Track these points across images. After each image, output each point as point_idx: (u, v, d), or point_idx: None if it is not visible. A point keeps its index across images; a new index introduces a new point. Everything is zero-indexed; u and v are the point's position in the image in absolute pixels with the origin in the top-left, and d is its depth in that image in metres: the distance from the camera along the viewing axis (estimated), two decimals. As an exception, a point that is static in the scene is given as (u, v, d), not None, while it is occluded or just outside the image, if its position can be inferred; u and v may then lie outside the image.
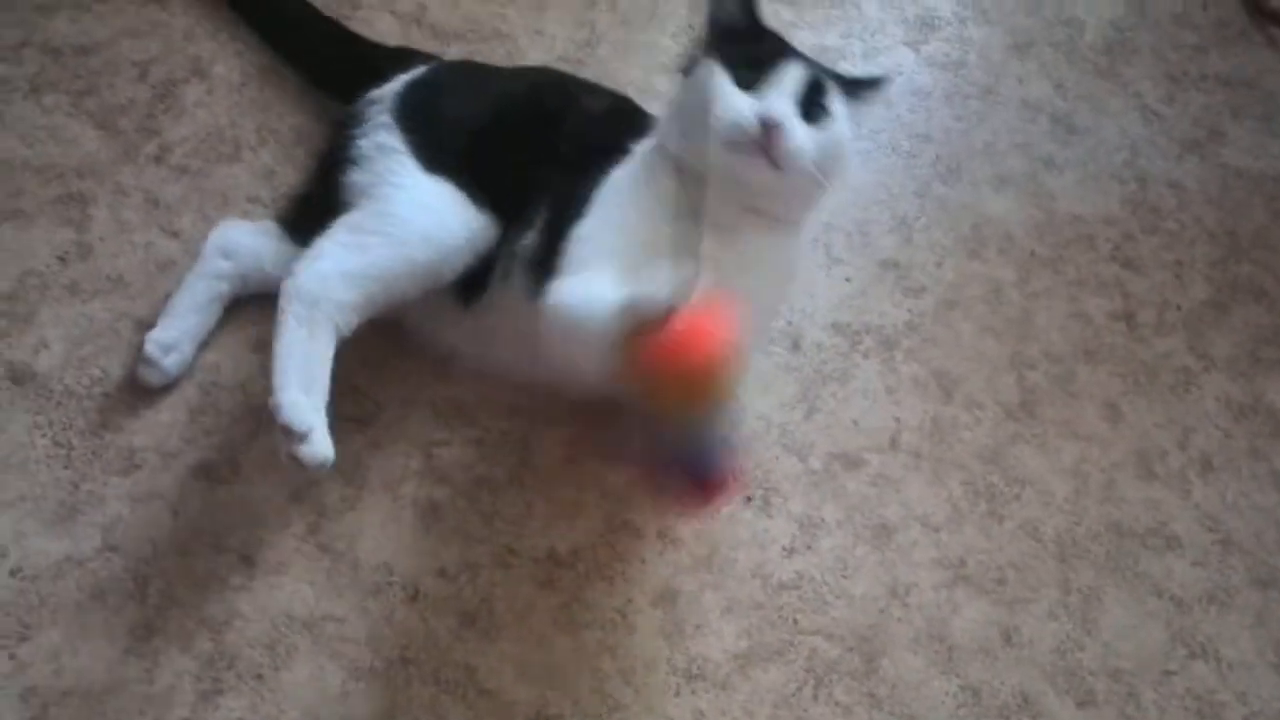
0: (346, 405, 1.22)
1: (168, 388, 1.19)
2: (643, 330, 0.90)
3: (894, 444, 1.33)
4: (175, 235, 1.29)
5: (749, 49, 1.11)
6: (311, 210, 1.21)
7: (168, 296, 1.23)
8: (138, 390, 1.19)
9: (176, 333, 1.19)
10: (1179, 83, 1.75)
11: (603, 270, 1.06)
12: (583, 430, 1.26)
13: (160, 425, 1.18)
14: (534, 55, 1.51)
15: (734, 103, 1.07)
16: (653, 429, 0.95)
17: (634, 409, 0.94)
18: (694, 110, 1.10)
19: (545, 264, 1.12)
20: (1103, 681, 1.21)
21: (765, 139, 1.05)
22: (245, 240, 1.24)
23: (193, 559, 1.12)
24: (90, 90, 1.38)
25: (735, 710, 1.14)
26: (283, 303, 1.07)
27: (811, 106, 1.09)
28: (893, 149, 1.57)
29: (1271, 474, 1.38)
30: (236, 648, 1.08)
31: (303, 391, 1.03)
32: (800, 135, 1.07)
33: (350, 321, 1.10)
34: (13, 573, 1.09)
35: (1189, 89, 1.74)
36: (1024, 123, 1.64)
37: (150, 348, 1.17)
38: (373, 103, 1.24)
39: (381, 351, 1.25)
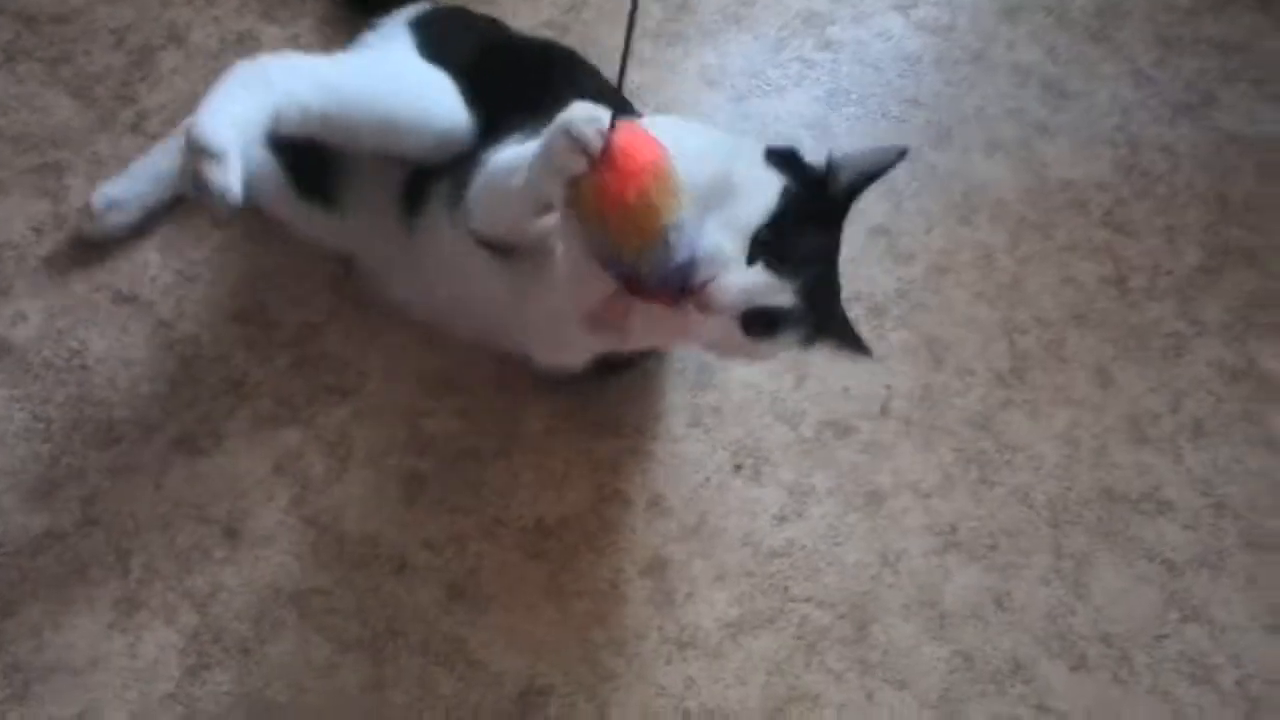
0: (330, 376, 1.21)
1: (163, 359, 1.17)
2: (579, 164, 0.90)
3: (885, 411, 1.31)
4: (153, 205, 1.27)
5: None
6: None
7: (145, 266, 1.21)
8: (116, 362, 1.17)
9: (125, 192, 1.19)
10: (1171, 47, 1.73)
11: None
12: (570, 401, 1.25)
13: (140, 397, 1.16)
14: (521, 18, 1.48)
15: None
16: (618, 268, 0.93)
17: (591, 248, 0.94)
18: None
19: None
20: (1095, 646, 1.20)
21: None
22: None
23: (175, 532, 1.10)
24: (65, 58, 1.35)
25: (727, 677, 1.13)
26: (235, 67, 1.00)
27: (765, 325, 0.98)
28: (882, 114, 1.55)
29: (1264, 438, 1.37)
30: (222, 621, 1.07)
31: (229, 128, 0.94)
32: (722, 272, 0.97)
33: (291, 117, 1.00)
34: (-8, 548, 1.07)
35: (1181, 53, 1.72)
36: (1015, 88, 1.62)
37: (96, 199, 1.18)
38: (386, 21, 1.24)
39: (366, 324, 1.24)
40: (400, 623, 1.10)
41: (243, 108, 0.97)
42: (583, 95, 1.19)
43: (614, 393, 1.26)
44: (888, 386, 1.33)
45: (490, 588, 1.13)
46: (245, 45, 1.41)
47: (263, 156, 1.17)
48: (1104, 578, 1.25)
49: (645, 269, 0.92)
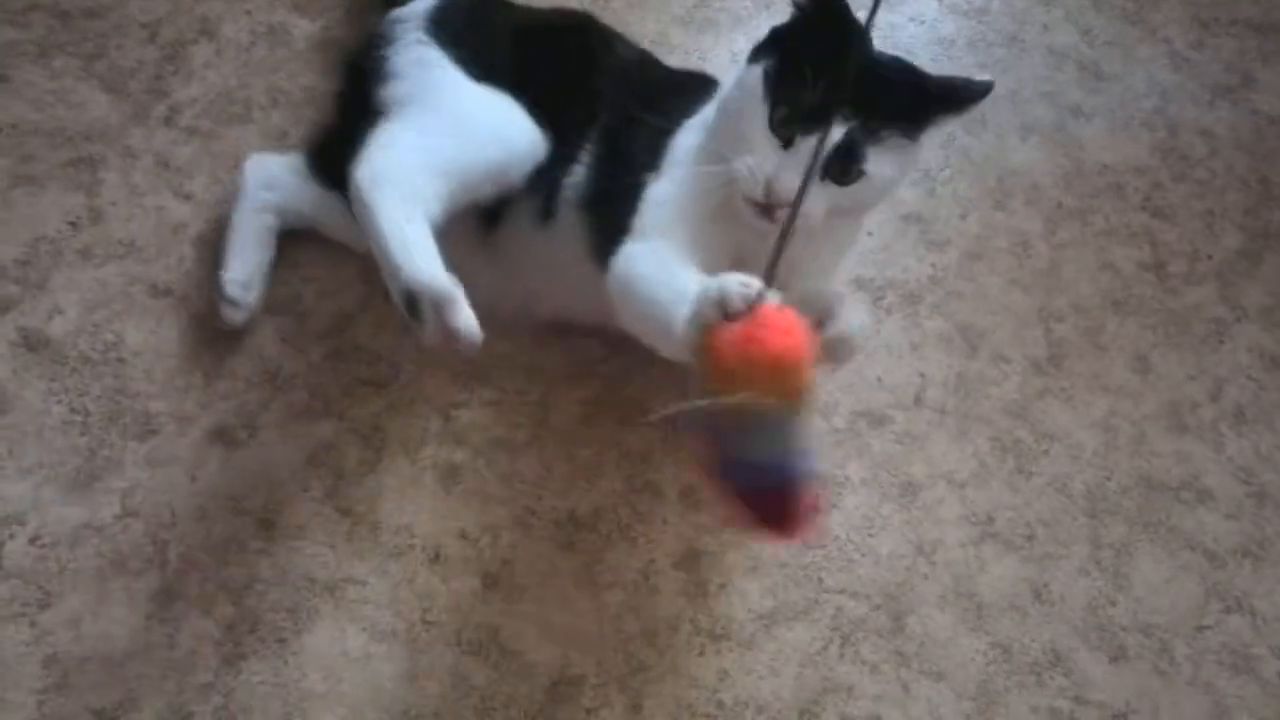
0: (363, 368, 1.21)
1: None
2: (720, 321, 0.84)
3: (919, 400, 1.30)
4: (187, 198, 1.28)
5: (806, 83, 0.98)
6: (338, 140, 1.15)
7: (181, 260, 1.22)
8: (152, 355, 1.18)
9: (248, 268, 1.19)
10: (1209, 28, 1.70)
11: (675, 242, 1.02)
12: (602, 391, 1.24)
13: (176, 390, 1.17)
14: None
15: (751, 155, 1.00)
16: (718, 428, 0.85)
17: (701, 396, 0.84)
18: (728, 118, 1.05)
19: (603, 212, 1.10)
20: (1135, 637, 1.19)
21: (767, 201, 0.99)
22: (280, 172, 1.23)
23: (212, 523, 1.11)
24: (99, 53, 1.36)
25: (760, 669, 1.12)
26: (363, 192, 0.98)
27: (846, 166, 1.00)
28: (915, 100, 1.53)
29: (1307, 425, 1.35)
30: (258, 611, 1.08)
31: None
32: (810, 204, 0.97)
33: (433, 211, 1.00)
34: (32, 540, 1.08)
35: (1219, 34, 1.69)
36: (1050, 70, 1.60)
37: (231, 289, 1.17)
38: (399, 21, 1.19)
39: (395, 315, 1.23)
40: (434, 613, 1.10)
41: (415, 232, 0.96)
42: (630, 72, 1.18)
43: (644, 382, 1.25)
44: (922, 375, 1.32)
45: (524, 578, 1.13)
46: (277, 37, 1.41)
47: (318, 192, 1.20)
48: (1144, 568, 1.23)
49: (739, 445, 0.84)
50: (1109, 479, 1.28)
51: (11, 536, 1.08)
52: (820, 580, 1.18)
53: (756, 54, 1.05)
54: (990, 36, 1.61)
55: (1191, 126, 1.58)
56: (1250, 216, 1.51)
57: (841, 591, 1.18)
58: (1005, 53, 1.61)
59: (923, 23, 1.61)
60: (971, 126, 1.51)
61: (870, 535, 1.21)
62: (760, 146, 1.00)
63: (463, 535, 1.14)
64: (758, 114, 1.00)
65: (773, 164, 0.99)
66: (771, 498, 0.85)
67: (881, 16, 1.57)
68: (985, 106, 1.51)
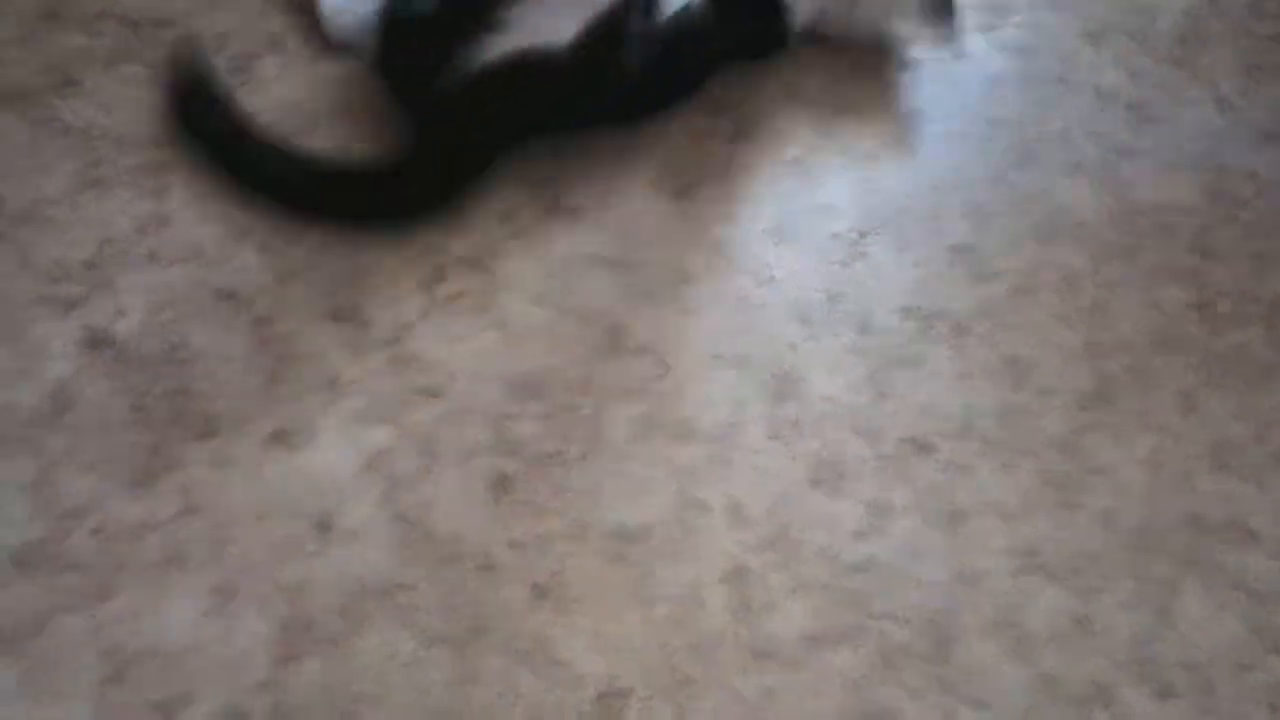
0: (420, 377, 1.23)
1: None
2: None
3: (965, 430, 1.31)
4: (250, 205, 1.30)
5: None
6: None
7: (245, 265, 1.25)
8: (216, 357, 1.20)
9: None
10: (1254, 74, 1.71)
11: None
12: (654, 408, 1.26)
13: (237, 392, 1.19)
14: None
15: None
16: None
17: None
18: None
19: None
20: (1179, 673, 1.19)
21: None
22: None
23: (269, 524, 1.12)
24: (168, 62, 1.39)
25: (804, 690, 1.13)
26: None
27: None
28: (964, 134, 1.55)
29: (1352, 470, 1.35)
30: (311, 613, 1.09)
31: None
32: None
33: None
34: (93, 533, 1.10)
35: (1266, 80, 1.71)
36: (1098, 110, 1.62)
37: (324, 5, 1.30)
38: None
39: (456, 326, 1.26)
40: (484, 620, 1.11)
41: None
42: None
43: (696, 400, 1.27)
44: (968, 405, 1.33)
45: (574, 590, 1.14)
46: (344, 53, 1.44)
47: None
48: (1189, 605, 1.23)
49: None
50: (1154, 515, 1.28)
51: (74, 530, 1.10)
52: (865, 605, 1.19)
53: None
54: (1039, 75, 1.63)
55: (1239, 169, 1.59)
56: (1298, 261, 1.52)
57: (886, 616, 1.18)
58: (1053, 91, 1.62)
59: (971, 60, 1.63)
60: (1020, 163, 1.53)
61: (915, 562, 1.22)
62: None
63: (513, 544, 1.15)
64: None
65: None
66: None
67: (929, 52, 1.60)
68: (1034, 144, 1.54)
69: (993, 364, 1.37)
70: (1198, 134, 1.62)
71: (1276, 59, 1.73)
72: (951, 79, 1.59)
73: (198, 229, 1.28)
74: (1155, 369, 1.39)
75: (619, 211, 1.40)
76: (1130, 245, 1.49)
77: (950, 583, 1.21)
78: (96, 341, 1.20)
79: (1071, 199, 1.52)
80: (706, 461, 1.24)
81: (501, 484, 1.19)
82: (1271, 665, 1.21)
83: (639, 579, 1.16)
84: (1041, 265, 1.45)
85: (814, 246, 1.42)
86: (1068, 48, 1.68)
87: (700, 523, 1.20)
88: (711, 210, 1.43)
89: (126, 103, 1.36)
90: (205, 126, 1.31)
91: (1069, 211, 1.50)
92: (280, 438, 1.17)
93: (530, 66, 1.27)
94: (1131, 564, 1.25)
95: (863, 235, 1.45)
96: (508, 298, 1.31)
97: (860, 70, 1.58)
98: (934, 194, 1.49)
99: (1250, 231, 1.53)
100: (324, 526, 1.13)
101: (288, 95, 1.39)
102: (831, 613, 1.18)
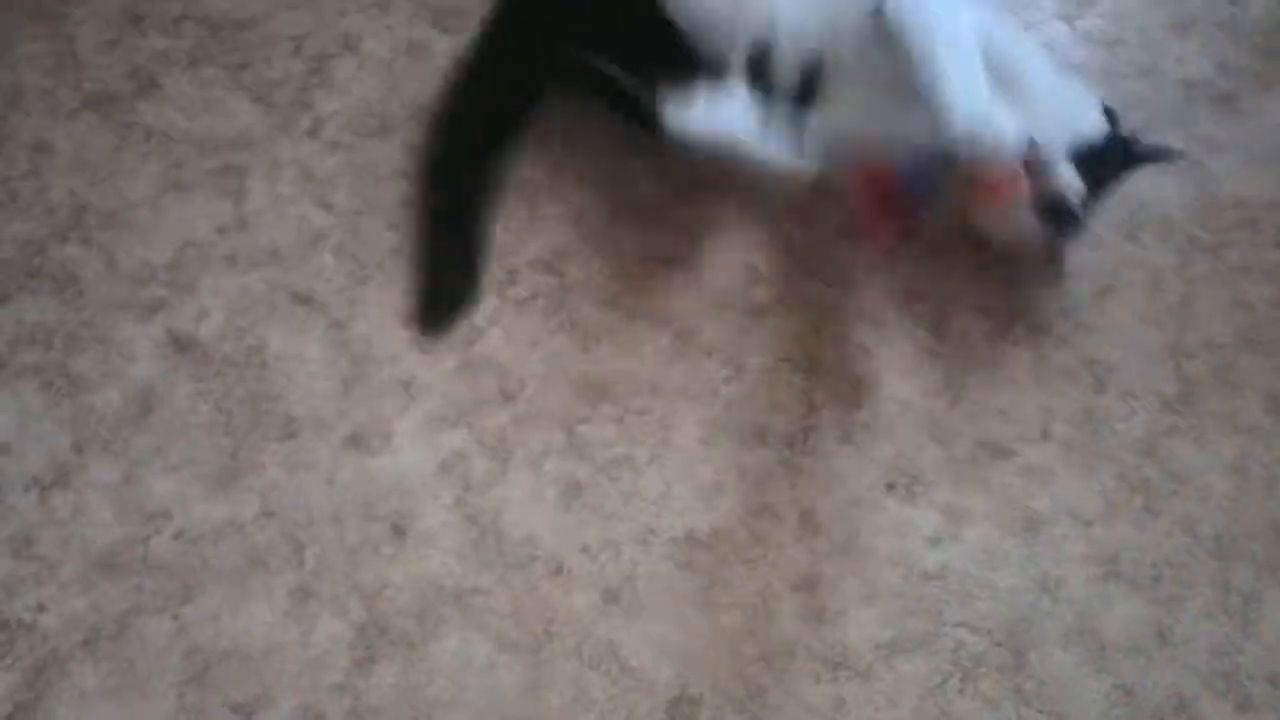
0: (492, 380, 1.24)
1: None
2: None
3: (1044, 434, 1.29)
4: (329, 208, 1.32)
5: None
6: None
7: (322, 268, 1.26)
8: (293, 360, 1.22)
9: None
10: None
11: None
12: (722, 412, 1.26)
13: (315, 395, 1.21)
14: None
15: None
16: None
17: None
18: None
19: None
20: (1261, 686, 1.16)
21: None
22: None
23: (346, 527, 1.14)
24: (247, 64, 1.41)
25: (878, 700, 1.12)
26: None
27: None
28: (1044, 128, 1.51)
29: None
30: (387, 616, 1.11)
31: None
32: None
33: None
34: (176, 535, 1.13)
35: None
36: (1184, 102, 1.56)
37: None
38: None
39: (527, 329, 1.27)
40: (556, 625, 1.12)
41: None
42: None
43: (765, 404, 1.26)
44: (1047, 409, 1.30)
45: (643, 595, 1.14)
46: (416, 54, 1.45)
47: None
48: (1272, 615, 1.20)
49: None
50: (1238, 522, 1.25)
51: (158, 531, 1.13)
52: (940, 613, 1.17)
53: None
54: (1123, 67, 1.58)
55: (1332, 162, 1.53)
56: (1394, 256, 1.46)
57: (962, 625, 1.17)
58: (1139, 83, 1.57)
59: (1054, 49, 1.59)
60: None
61: (991, 569, 1.20)
62: None
63: (584, 550, 1.16)
64: None
65: None
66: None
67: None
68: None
69: (1073, 366, 1.34)
70: (1289, 125, 1.56)
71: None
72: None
73: (276, 233, 1.30)
74: (1242, 370, 1.35)
75: (687, 211, 1.39)
76: (1216, 242, 1.44)
77: (1028, 590, 1.19)
78: (180, 344, 1.23)
79: (1156, 194, 1.47)
80: (777, 466, 1.24)
81: (573, 488, 1.19)
82: (1361, 680, 1.18)
83: (708, 586, 1.16)
84: (1125, 264, 1.42)
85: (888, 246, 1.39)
86: (1154, 38, 1.63)
87: (771, 529, 1.20)
88: (782, 206, 1.42)
89: (206, 105, 1.38)
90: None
91: (1153, 207, 1.46)
92: (357, 441, 1.19)
93: None
94: (1214, 572, 1.22)
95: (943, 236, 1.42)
96: (578, 300, 1.31)
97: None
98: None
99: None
100: (400, 530, 1.15)
101: (363, 96, 1.40)
102: (905, 621, 1.17)
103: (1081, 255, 1.41)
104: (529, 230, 1.35)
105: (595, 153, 1.39)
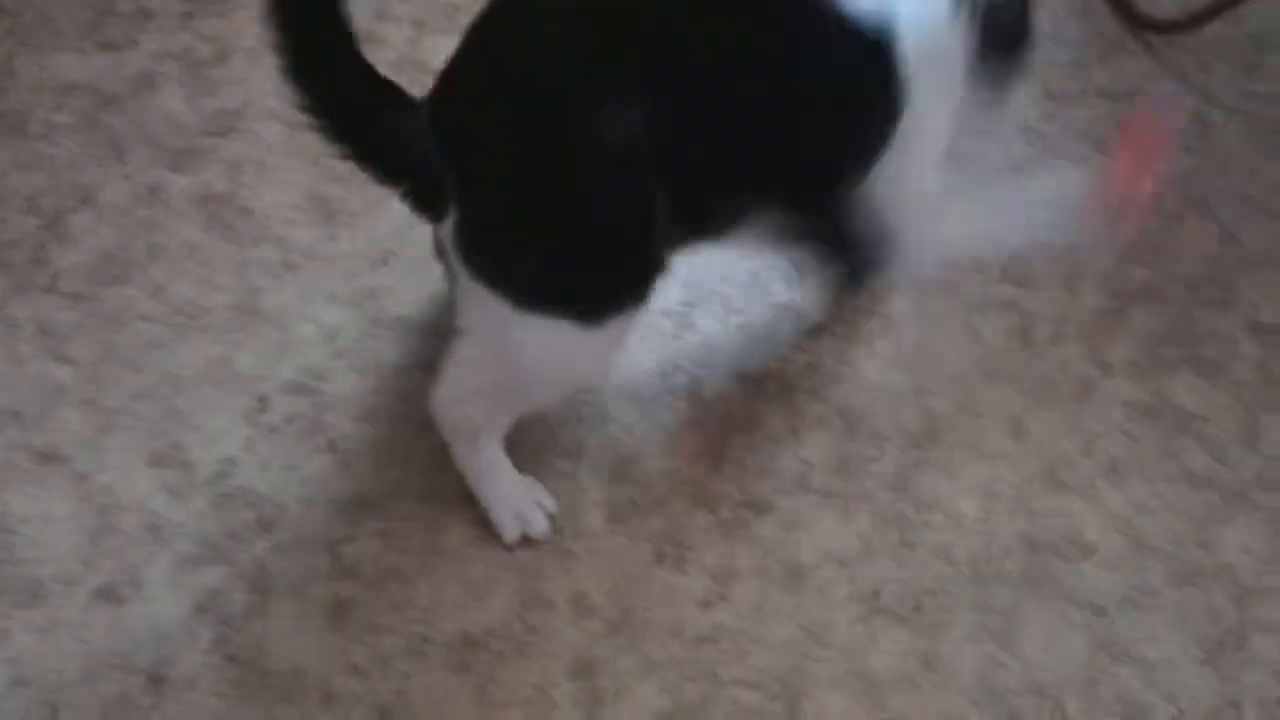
0: (248, 511, 1.23)
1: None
2: None
3: (802, 485, 1.34)
4: (69, 361, 1.31)
5: None
6: None
7: (65, 422, 1.25)
8: (37, 520, 1.20)
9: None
10: (1059, 100, 1.78)
11: None
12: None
13: (61, 553, 1.18)
14: None
15: None
16: None
17: None
18: None
19: None
20: (1027, 699, 1.21)
21: None
22: None
23: (100, 683, 1.12)
24: (-22, 228, 1.40)
25: (660, 771, 1.13)
26: None
27: None
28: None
29: (1181, 471, 1.39)
30: (150, 770, 1.08)
31: None
32: None
33: None
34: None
35: (1069, 105, 1.78)
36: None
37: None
38: None
39: (282, 455, 1.27)
40: (330, 751, 1.11)
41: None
42: None
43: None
44: (804, 461, 1.36)
45: (418, 707, 1.14)
46: (156, 197, 1.46)
47: None
48: (1031, 628, 1.26)
49: None
50: (991, 543, 1.31)
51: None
52: (715, 674, 1.20)
53: None
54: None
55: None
56: (1110, 277, 1.57)
57: (736, 683, 1.19)
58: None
59: None
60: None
61: (762, 623, 1.23)
62: None
63: (354, 670, 1.15)
64: None
65: None
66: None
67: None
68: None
69: (825, 416, 1.40)
70: (1004, 165, 1.68)
71: (1080, 84, 1.80)
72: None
73: (13, 394, 1.28)
74: (981, 400, 1.43)
75: (443, 318, 1.41)
76: (947, 283, 1.53)
77: (797, 639, 1.23)
78: (-81, 520, 1.19)
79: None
80: (549, 554, 1.26)
81: (340, 609, 1.19)
82: (1118, 675, 1.24)
83: (485, 685, 1.16)
84: (864, 314, 1.49)
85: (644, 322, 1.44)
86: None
87: (545, 618, 1.21)
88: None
89: None
90: None
91: (886, 257, 1.55)
92: (107, 593, 1.16)
93: None
94: (972, 595, 1.28)
95: (689, 306, 1.48)
96: (336, 417, 1.32)
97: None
98: (753, 258, 1.52)
99: (1061, 254, 1.58)
100: (157, 679, 1.13)
101: (101, 246, 1.40)
102: (683, 688, 1.19)
103: (823, 309, 1.48)
104: (281, 353, 1.35)
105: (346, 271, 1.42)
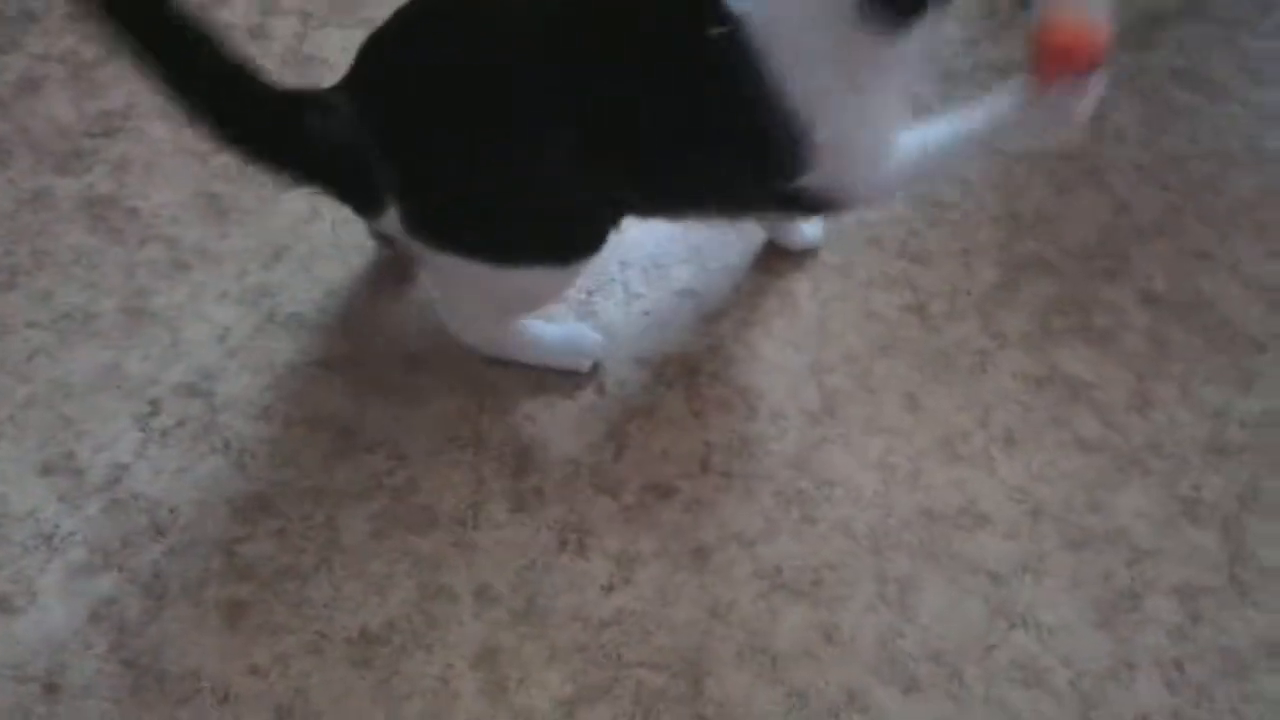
0: (141, 517, 1.22)
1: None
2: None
3: (704, 467, 1.35)
4: (-48, 372, 1.28)
5: None
6: None
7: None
8: (-80, 535, 1.18)
9: None
10: (954, 79, 1.81)
11: None
12: (390, 503, 1.27)
13: (-53, 567, 1.16)
14: None
15: None
16: None
17: None
18: None
19: None
20: (925, 666, 1.23)
21: None
22: None
23: (-9, 696, 1.10)
24: None
25: (565, 756, 1.14)
26: None
27: None
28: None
29: (1074, 439, 1.43)
30: (44, 781, 1.06)
31: None
32: None
33: None
34: None
35: (962, 83, 1.81)
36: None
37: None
38: None
39: (174, 459, 1.25)
40: (229, 753, 1.10)
41: None
42: None
43: (431, 487, 1.28)
44: (706, 443, 1.37)
45: (319, 704, 1.13)
46: (41, 202, 1.43)
47: None
48: (929, 597, 1.28)
49: None
50: (889, 516, 1.33)
51: None
52: (619, 657, 1.21)
53: None
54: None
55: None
56: (1004, 250, 1.60)
57: (640, 665, 1.20)
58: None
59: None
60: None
61: (665, 606, 1.24)
62: None
63: (253, 671, 1.15)
64: None
65: None
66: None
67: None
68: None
69: (726, 398, 1.41)
70: (899, 145, 1.70)
71: (972, 61, 1.83)
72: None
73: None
74: (878, 375, 1.45)
75: (339, 313, 1.41)
76: (845, 263, 1.56)
77: (700, 619, 1.24)
78: None
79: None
80: (450, 547, 1.26)
81: (237, 610, 1.18)
82: (1015, 641, 1.27)
83: (386, 679, 1.16)
84: (764, 294, 1.51)
85: (543, 312, 1.45)
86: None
87: (447, 610, 1.21)
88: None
89: None
90: None
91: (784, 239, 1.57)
92: (0, 604, 1.14)
93: None
94: (871, 566, 1.30)
95: (590, 294, 1.48)
96: (229, 418, 1.30)
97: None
98: (655, 244, 1.53)
99: (957, 231, 1.61)
100: (52, 688, 1.11)
101: (-18, 254, 1.37)
102: (587, 673, 1.19)
103: (724, 294, 1.50)
104: (172, 355, 1.34)
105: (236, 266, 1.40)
